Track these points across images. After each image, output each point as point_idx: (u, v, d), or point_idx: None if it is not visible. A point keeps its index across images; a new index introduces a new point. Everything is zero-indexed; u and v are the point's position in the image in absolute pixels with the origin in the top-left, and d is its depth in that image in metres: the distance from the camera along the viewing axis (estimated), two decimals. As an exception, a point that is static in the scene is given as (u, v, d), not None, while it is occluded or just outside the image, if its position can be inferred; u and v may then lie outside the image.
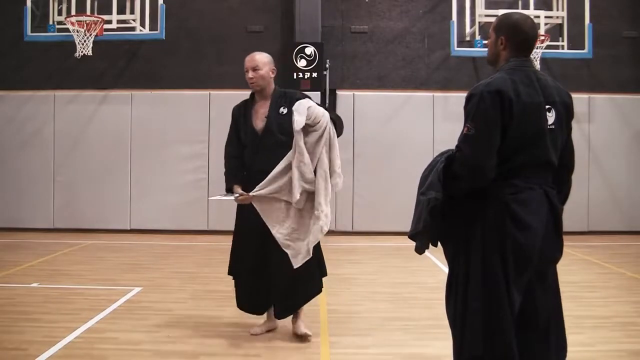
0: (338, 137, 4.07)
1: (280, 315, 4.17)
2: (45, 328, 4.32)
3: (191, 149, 9.71)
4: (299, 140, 3.87)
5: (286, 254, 3.93)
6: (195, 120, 9.73)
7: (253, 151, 4.12)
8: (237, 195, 4.03)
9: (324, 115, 3.94)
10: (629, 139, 9.93)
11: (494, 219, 2.52)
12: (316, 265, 4.14)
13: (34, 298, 5.25)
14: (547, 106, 2.57)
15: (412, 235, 2.75)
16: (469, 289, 2.57)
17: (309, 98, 4.08)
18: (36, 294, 5.43)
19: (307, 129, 3.90)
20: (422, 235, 2.72)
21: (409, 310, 5.01)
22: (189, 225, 9.67)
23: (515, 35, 2.67)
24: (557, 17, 8.91)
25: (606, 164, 9.88)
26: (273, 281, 4.07)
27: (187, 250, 8.19)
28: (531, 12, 8.76)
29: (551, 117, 2.58)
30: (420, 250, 2.76)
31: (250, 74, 4.12)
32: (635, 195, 9.87)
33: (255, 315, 4.34)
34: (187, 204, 9.66)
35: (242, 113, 4.22)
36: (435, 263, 6.85)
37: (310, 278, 4.10)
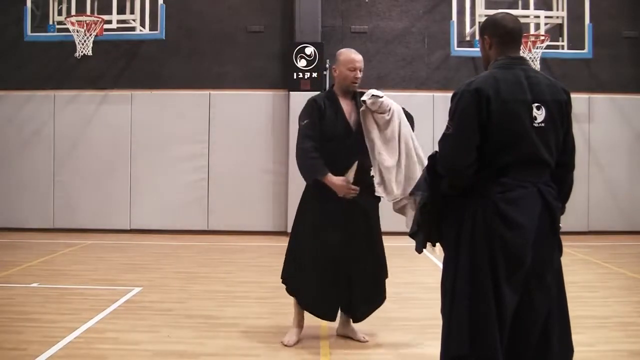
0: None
1: (361, 317, 4.12)
2: (45, 328, 4.32)
3: (191, 149, 9.71)
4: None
5: (368, 253, 3.99)
6: (195, 120, 9.73)
7: (346, 145, 4.05)
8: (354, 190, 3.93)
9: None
10: (629, 139, 9.92)
11: (482, 218, 2.51)
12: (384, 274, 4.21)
13: (33, 298, 5.24)
14: (535, 104, 2.54)
15: (410, 235, 2.83)
16: (456, 287, 2.57)
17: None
18: (36, 294, 5.43)
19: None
20: (418, 235, 2.76)
21: (409, 310, 5.01)
22: (189, 225, 9.66)
23: (497, 31, 2.67)
24: (557, 17, 8.91)
25: (606, 164, 9.87)
26: (354, 282, 4.00)
27: (187, 250, 8.18)
28: (531, 12, 8.78)
29: (540, 115, 2.55)
30: (418, 249, 2.80)
31: (359, 74, 4.13)
32: (635, 195, 9.86)
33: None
34: (187, 204, 9.65)
35: (327, 107, 4.12)
36: (436, 263, 6.84)
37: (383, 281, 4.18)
